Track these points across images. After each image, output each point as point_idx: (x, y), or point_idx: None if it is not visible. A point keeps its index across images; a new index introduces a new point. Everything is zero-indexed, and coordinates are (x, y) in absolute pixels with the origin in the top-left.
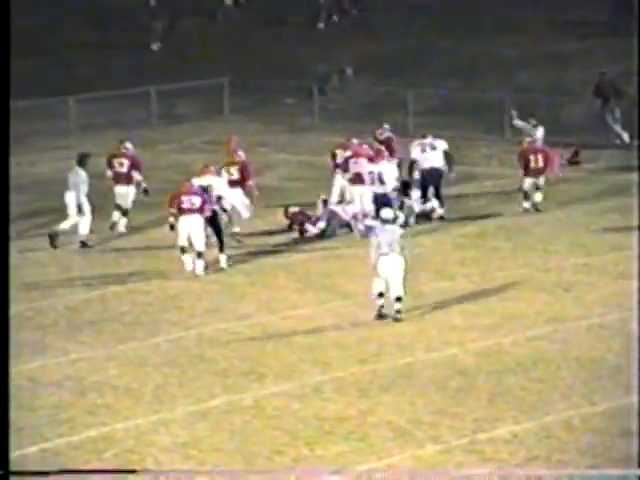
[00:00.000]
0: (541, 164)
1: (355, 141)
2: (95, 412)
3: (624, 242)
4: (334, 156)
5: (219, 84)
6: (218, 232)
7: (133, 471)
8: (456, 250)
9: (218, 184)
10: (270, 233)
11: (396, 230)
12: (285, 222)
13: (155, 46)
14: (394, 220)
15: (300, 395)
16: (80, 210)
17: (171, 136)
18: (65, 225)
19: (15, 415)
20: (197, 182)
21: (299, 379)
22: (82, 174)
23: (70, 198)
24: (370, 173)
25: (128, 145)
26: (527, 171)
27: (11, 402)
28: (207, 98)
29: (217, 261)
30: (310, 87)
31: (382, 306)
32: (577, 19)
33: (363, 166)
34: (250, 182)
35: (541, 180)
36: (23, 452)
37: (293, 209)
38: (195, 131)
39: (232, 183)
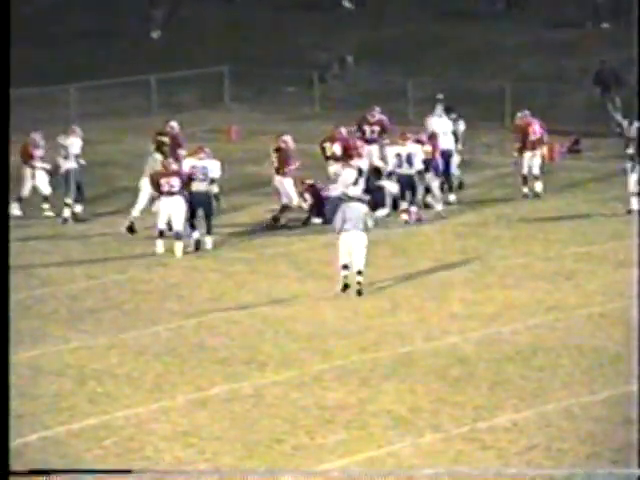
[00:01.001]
0: (538, 135)
1: (343, 130)
2: (95, 400)
3: (624, 230)
4: (323, 149)
5: (219, 72)
6: (208, 214)
7: (129, 471)
8: (456, 239)
9: (213, 166)
10: (270, 222)
11: (361, 208)
12: (286, 212)
13: (155, 34)
14: (361, 198)
15: (300, 384)
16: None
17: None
18: (136, 212)
19: (16, 403)
20: (191, 162)
21: (299, 368)
22: (159, 159)
23: (146, 184)
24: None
25: (173, 124)
26: (525, 145)
27: (12, 390)
28: (207, 86)
29: (203, 243)
30: (311, 75)
31: (346, 277)
32: (577, 7)
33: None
34: (292, 167)
35: (536, 164)
36: (24, 440)
37: (308, 181)
38: (195, 120)
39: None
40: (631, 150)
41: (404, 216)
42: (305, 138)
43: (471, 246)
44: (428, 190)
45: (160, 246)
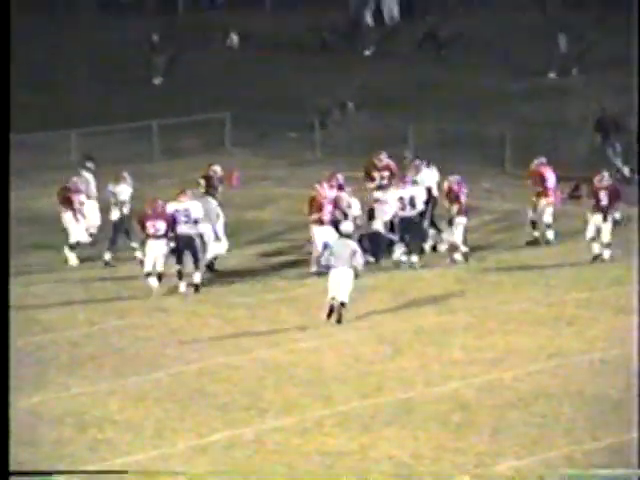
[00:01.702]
0: (553, 182)
1: (340, 177)
2: (95, 447)
3: (625, 277)
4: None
5: (221, 118)
6: (195, 255)
7: (125, 472)
8: (457, 284)
9: (194, 207)
10: (272, 267)
11: (351, 244)
12: (287, 257)
13: (157, 80)
14: (350, 235)
15: (301, 430)
16: (217, 237)
17: (173, 170)
18: (208, 255)
19: (16, 450)
20: (173, 206)
21: (300, 413)
22: (213, 202)
23: (205, 228)
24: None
25: (216, 168)
26: (541, 191)
27: (11, 437)
28: (209, 132)
29: (190, 284)
30: (312, 121)
31: (332, 306)
32: (577, 53)
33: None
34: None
35: (549, 211)
36: None
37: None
38: (197, 165)
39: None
40: (604, 202)
41: (413, 258)
42: (306, 183)
43: (472, 291)
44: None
45: (153, 282)
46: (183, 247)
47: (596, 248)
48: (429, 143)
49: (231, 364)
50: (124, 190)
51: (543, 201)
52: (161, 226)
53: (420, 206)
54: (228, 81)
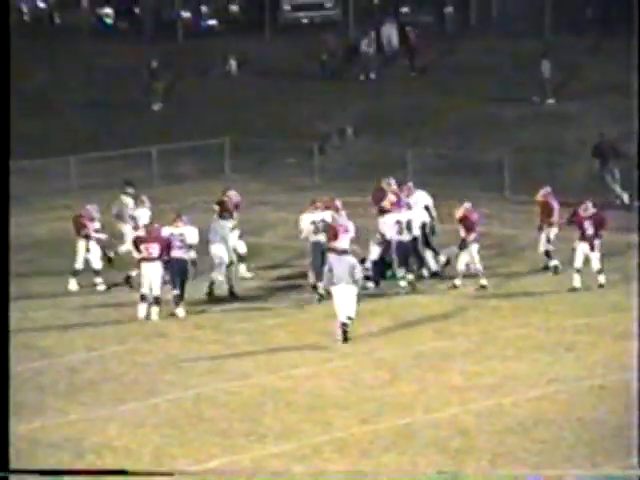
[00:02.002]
0: (557, 211)
1: (338, 203)
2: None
3: (624, 303)
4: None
5: (220, 144)
6: (182, 281)
7: (125, 472)
8: (456, 309)
9: (190, 233)
10: (270, 292)
11: (350, 260)
12: (286, 283)
13: (156, 106)
14: (346, 251)
15: (300, 456)
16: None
17: (172, 195)
18: (221, 277)
19: (14, 477)
20: (169, 230)
21: (299, 439)
22: (227, 225)
23: (219, 249)
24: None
25: (231, 193)
26: (547, 221)
27: (10, 464)
28: (208, 158)
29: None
30: (310, 147)
31: (345, 330)
32: (578, 80)
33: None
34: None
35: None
36: None
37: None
38: (196, 190)
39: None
40: (590, 231)
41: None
42: (304, 209)
43: (471, 317)
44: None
45: (142, 310)
46: (175, 271)
47: (578, 280)
48: (428, 168)
49: (230, 390)
50: (143, 214)
51: (549, 230)
52: (154, 249)
53: (416, 231)
54: (227, 107)
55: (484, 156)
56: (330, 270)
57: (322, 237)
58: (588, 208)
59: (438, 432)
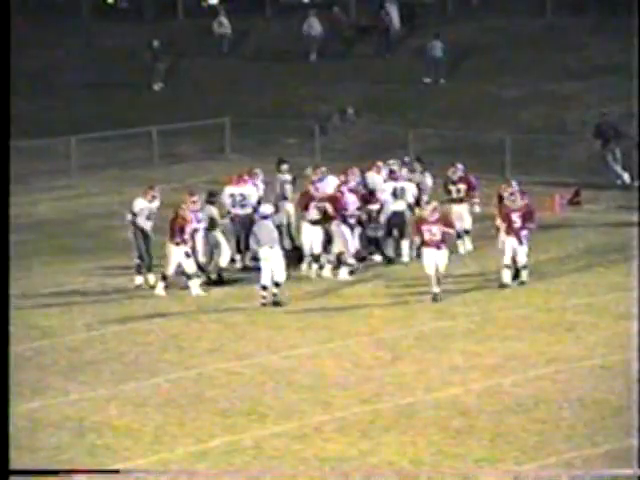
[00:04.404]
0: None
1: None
2: (95, 453)
3: (625, 283)
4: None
5: (221, 124)
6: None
7: (116, 471)
8: (457, 290)
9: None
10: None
11: (272, 225)
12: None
13: (157, 86)
14: (271, 216)
15: (301, 435)
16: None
17: (172, 176)
18: (224, 262)
19: (15, 456)
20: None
21: (300, 419)
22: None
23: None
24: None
25: (257, 171)
26: (510, 229)
27: (11, 443)
28: (209, 138)
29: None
30: (311, 127)
31: (264, 297)
32: (578, 60)
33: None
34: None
35: (522, 252)
36: None
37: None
38: (196, 171)
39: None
40: (518, 224)
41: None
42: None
43: (472, 297)
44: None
45: (160, 289)
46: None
47: (508, 276)
48: (429, 149)
49: (230, 369)
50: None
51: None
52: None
53: (410, 199)
54: (228, 87)
55: (485, 137)
56: (256, 240)
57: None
58: (517, 200)
59: (439, 412)
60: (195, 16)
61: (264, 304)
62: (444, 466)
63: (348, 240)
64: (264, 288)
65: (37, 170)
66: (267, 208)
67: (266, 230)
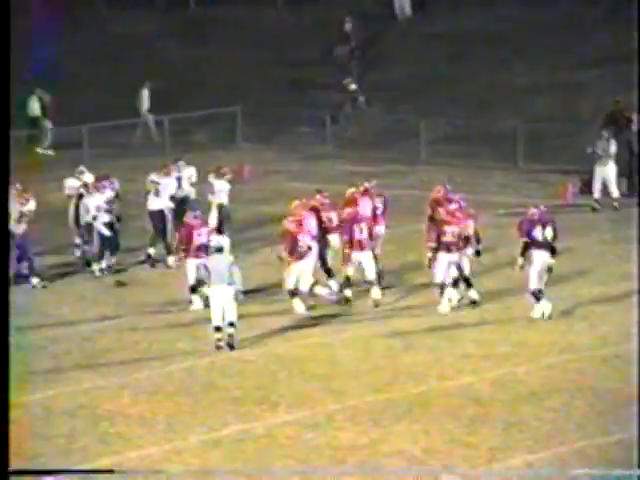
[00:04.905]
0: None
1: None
2: (108, 441)
3: (638, 271)
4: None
5: (232, 112)
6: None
7: (111, 471)
8: (472, 278)
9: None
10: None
11: (224, 260)
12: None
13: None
14: (222, 249)
15: (313, 424)
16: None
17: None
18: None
19: (28, 444)
20: None
21: (312, 408)
22: None
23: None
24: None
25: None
26: (440, 242)
27: (25, 430)
28: (220, 126)
29: None
30: (323, 115)
31: (219, 339)
32: (592, 48)
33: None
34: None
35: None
36: None
37: None
38: (208, 159)
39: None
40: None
41: None
42: (318, 178)
43: (484, 286)
44: None
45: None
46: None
47: (454, 296)
48: (441, 138)
49: (243, 358)
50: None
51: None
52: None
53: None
54: (239, 75)
55: (497, 125)
56: (207, 273)
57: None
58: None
59: (451, 401)
60: (207, 4)
61: (218, 347)
62: (457, 455)
63: None
64: (217, 329)
65: (51, 159)
66: (220, 240)
67: (219, 266)
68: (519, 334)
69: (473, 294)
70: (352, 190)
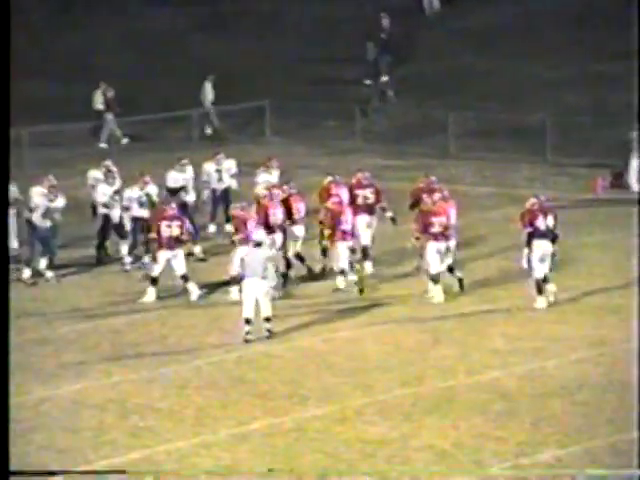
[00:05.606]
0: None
1: (337, 177)
2: (137, 434)
3: (638, 272)
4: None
5: (261, 106)
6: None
7: (123, 471)
8: (500, 272)
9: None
10: (313, 255)
11: (261, 254)
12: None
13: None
14: (260, 243)
15: (342, 418)
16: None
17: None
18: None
19: (58, 437)
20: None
21: (341, 402)
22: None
23: None
24: None
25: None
26: (429, 231)
27: (54, 424)
28: (249, 120)
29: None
30: (352, 109)
31: (248, 332)
32: (621, 41)
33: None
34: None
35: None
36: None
37: None
38: (237, 153)
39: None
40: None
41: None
42: (347, 172)
43: (513, 279)
44: None
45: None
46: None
47: (440, 294)
48: (469, 131)
49: (271, 352)
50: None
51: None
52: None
53: None
54: (268, 69)
55: (526, 119)
56: (242, 265)
57: None
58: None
59: (480, 395)
60: None
61: (247, 340)
62: (485, 449)
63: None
64: (247, 322)
65: (78, 153)
66: (261, 235)
67: (255, 260)
68: (548, 328)
69: (458, 273)
70: (329, 179)
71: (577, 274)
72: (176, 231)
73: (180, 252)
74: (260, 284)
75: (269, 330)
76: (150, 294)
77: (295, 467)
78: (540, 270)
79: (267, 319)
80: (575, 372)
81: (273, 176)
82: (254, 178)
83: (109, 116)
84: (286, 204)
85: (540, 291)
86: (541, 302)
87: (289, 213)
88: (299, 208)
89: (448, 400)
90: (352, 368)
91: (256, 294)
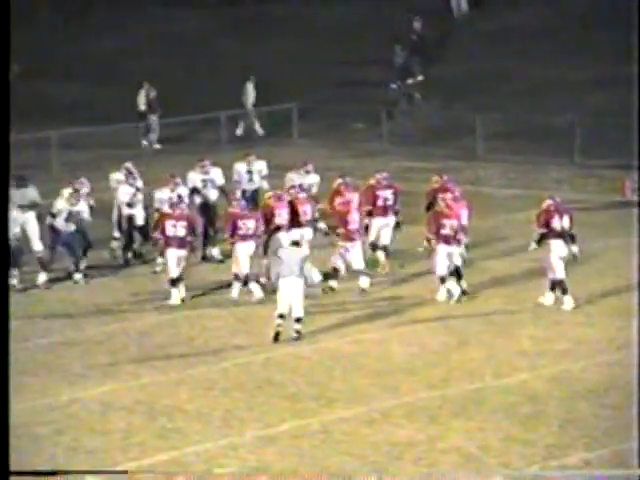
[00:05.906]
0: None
1: (348, 180)
2: (165, 436)
3: (638, 272)
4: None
5: (288, 109)
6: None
7: (125, 472)
8: (527, 275)
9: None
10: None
11: (300, 252)
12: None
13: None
14: (298, 242)
15: (369, 420)
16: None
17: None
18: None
19: (86, 439)
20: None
21: (368, 404)
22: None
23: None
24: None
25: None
26: (439, 234)
27: (82, 425)
28: (276, 123)
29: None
30: (378, 111)
31: (279, 325)
32: None
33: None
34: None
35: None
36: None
37: None
38: (264, 155)
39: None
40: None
41: None
42: (373, 174)
43: (540, 282)
44: None
45: (235, 291)
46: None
47: (456, 289)
48: (496, 133)
49: (298, 354)
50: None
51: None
52: (251, 225)
53: None
54: (294, 71)
55: (554, 120)
56: (279, 263)
57: None
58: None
59: (507, 398)
60: (259, 1)
61: (277, 333)
62: (513, 452)
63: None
64: (281, 317)
65: (109, 156)
66: (297, 234)
67: (292, 259)
68: (576, 331)
69: (463, 284)
70: (339, 181)
71: (603, 276)
72: (181, 232)
73: (184, 254)
74: (297, 283)
75: (298, 331)
76: (174, 296)
77: (322, 469)
78: (561, 270)
79: (298, 319)
80: (602, 375)
81: (309, 178)
82: (284, 181)
83: (153, 117)
84: (292, 206)
85: (565, 291)
86: (568, 303)
87: (295, 215)
88: (306, 211)
89: (475, 402)
90: (379, 370)
91: (292, 292)
